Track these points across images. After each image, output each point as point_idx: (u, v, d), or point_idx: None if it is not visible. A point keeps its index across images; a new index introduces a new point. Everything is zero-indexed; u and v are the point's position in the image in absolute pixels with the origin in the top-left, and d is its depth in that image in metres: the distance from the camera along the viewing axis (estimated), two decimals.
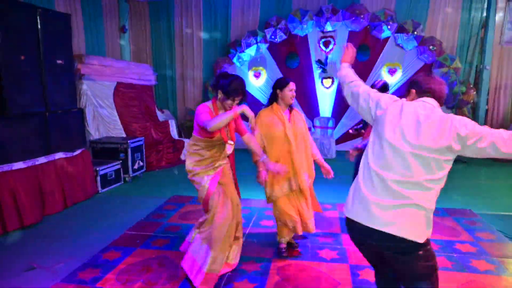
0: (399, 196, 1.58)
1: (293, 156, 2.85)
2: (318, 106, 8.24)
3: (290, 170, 2.86)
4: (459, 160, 7.42)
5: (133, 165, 5.74)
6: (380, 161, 1.64)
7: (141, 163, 5.98)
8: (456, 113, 7.44)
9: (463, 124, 1.56)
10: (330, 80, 8.09)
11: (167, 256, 3.04)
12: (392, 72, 7.82)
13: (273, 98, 2.96)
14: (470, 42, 7.66)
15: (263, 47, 8.19)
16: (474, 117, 7.84)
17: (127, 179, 5.65)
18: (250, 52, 8.22)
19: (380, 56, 7.88)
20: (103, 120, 6.00)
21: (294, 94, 2.91)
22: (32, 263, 2.98)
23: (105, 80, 6.09)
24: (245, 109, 2.30)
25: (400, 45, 7.67)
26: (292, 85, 2.89)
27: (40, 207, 4.04)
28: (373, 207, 1.61)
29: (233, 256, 2.74)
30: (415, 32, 7.41)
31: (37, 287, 2.61)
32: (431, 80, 1.76)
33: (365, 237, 1.68)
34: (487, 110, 7.82)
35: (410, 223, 1.58)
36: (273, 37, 8.03)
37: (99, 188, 5.04)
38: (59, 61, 4.55)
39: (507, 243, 3.26)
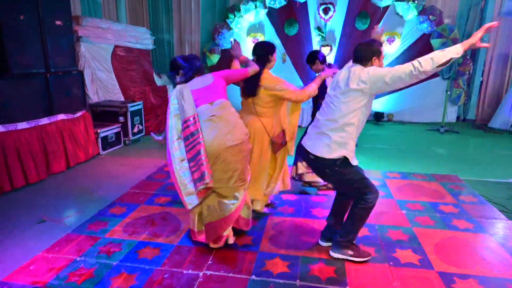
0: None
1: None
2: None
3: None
4: (452, 131, 7.61)
5: (132, 128, 5.85)
6: None
7: (140, 127, 6.09)
8: (451, 84, 7.56)
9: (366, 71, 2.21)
10: (328, 48, 8.08)
11: (170, 212, 3.25)
12: (390, 41, 7.82)
13: (265, 62, 2.90)
14: (470, 12, 7.63)
15: (262, 12, 8.09)
16: (469, 88, 7.96)
17: (127, 142, 5.78)
18: (249, 17, 8.13)
19: (380, 24, 7.83)
20: (101, 83, 6.02)
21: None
22: (43, 216, 3.17)
23: (103, 43, 6.05)
24: None
25: (400, 14, 7.63)
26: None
27: (44, 166, 4.19)
28: None
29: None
30: (416, 1, 7.35)
31: (50, 237, 2.80)
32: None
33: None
34: (481, 82, 7.92)
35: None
36: (272, 2, 7.92)
37: (100, 150, 5.18)
38: (58, 22, 4.53)
39: (486, 206, 3.49)
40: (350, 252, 2.48)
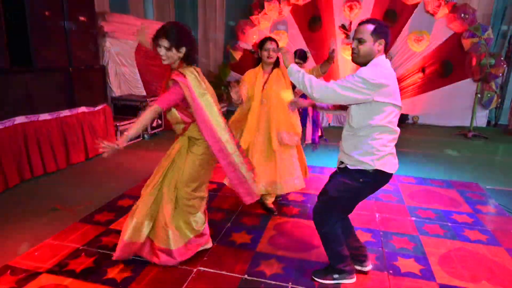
0: None
1: (248, 116, 2.98)
2: (339, 72, 8.12)
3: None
4: (480, 136, 7.19)
5: (151, 123, 5.99)
6: None
7: (159, 122, 6.22)
8: (482, 88, 7.16)
9: None
10: None
11: None
12: (418, 40, 7.52)
13: (258, 59, 3.02)
14: (506, 11, 7.20)
15: (286, 9, 8.02)
16: (502, 92, 7.52)
17: (145, 136, 5.92)
18: (273, 14, 8.08)
19: (408, 23, 7.56)
20: (125, 78, 6.20)
21: (272, 53, 2.87)
22: (56, 204, 3.31)
23: (128, 39, 6.22)
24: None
25: (430, 11, 7.32)
26: (269, 44, 2.87)
27: (64, 156, 4.37)
28: None
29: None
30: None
31: (60, 224, 2.92)
32: None
33: None
34: None
35: None
36: None
37: None
38: (81, 18, 4.69)
39: (505, 217, 3.29)
40: None
